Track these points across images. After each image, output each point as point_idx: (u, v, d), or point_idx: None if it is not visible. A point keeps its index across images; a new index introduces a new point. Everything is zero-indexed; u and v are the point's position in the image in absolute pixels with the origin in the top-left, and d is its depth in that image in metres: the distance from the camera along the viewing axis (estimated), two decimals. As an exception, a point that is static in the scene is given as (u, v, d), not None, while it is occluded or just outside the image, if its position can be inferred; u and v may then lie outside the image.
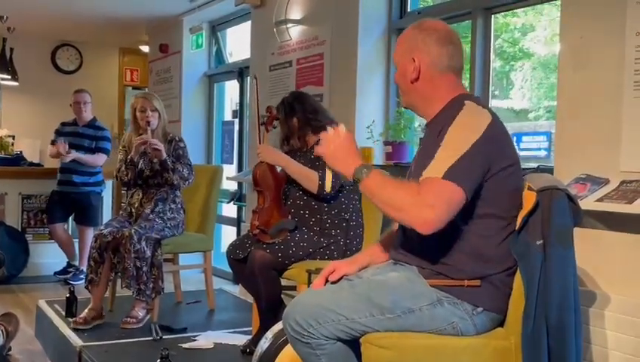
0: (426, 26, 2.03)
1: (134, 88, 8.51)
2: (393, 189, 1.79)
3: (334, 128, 1.92)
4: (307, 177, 3.10)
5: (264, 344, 2.30)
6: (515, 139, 3.13)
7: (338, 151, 1.89)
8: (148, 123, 3.88)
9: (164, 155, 3.85)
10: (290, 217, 3.16)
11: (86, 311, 3.71)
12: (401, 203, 1.76)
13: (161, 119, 3.96)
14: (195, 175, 4.06)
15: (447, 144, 1.81)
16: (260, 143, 3.30)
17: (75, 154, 5.38)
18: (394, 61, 2.11)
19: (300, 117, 3.25)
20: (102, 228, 3.87)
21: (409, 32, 2.05)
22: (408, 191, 1.77)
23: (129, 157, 3.89)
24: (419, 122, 3.72)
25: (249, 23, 5.38)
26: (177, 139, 4.05)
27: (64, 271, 5.68)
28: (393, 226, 2.20)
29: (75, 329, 3.59)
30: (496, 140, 1.85)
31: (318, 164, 3.12)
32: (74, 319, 3.69)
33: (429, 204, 1.73)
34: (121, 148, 4.10)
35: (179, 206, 4.02)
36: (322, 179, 3.03)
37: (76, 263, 5.68)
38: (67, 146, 5.35)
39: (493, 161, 1.83)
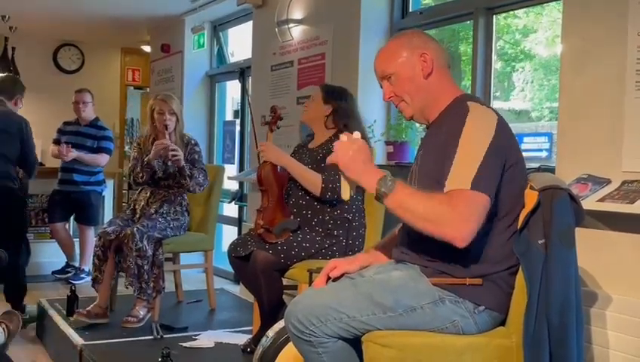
0: (411, 32, 2.09)
1: (136, 88, 8.53)
2: (427, 202, 1.77)
3: (348, 135, 1.88)
4: (310, 180, 3.08)
5: (265, 343, 2.29)
6: (517, 141, 3.13)
7: (355, 162, 1.83)
8: (166, 126, 3.88)
9: (183, 162, 3.85)
10: (292, 217, 3.16)
11: (92, 305, 3.72)
12: (437, 217, 1.74)
13: (178, 121, 3.97)
14: (209, 179, 4.08)
15: (464, 151, 1.80)
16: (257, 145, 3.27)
17: (76, 153, 5.38)
18: (385, 74, 2.01)
19: (339, 106, 3.22)
20: (105, 226, 3.87)
21: (399, 40, 2.04)
22: (442, 205, 1.75)
23: (146, 159, 3.88)
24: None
25: (251, 22, 5.39)
26: (193, 142, 4.05)
27: (62, 271, 5.67)
28: (394, 230, 2.20)
29: (76, 328, 3.59)
30: (505, 139, 1.86)
31: (323, 165, 3.11)
32: (77, 310, 3.69)
33: (466, 218, 1.73)
34: (134, 145, 4.10)
35: (184, 208, 4.03)
36: (338, 186, 2.94)
37: (75, 264, 5.68)
38: (70, 148, 5.35)
39: (506, 160, 1.84)
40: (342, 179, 1.89)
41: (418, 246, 1.93)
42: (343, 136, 1.88)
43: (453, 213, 1.73)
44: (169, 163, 3.89)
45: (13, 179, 4.30)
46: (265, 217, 3.13)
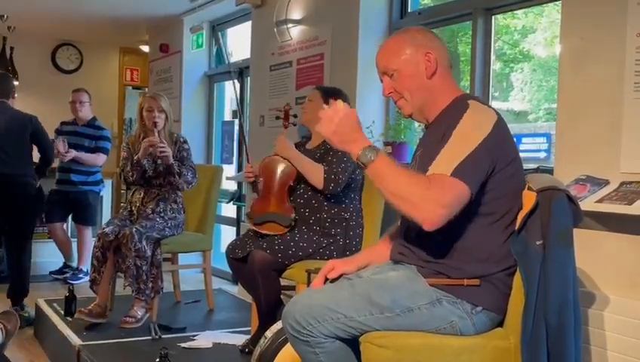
0: (415, 29, 2.07)
1: (134, 88, 8.52)
2: (403, 179, 1.76)
3: (332, 104, 1.85)
4: (312, 172, 3.09)
5: (263, 343, 2.29)
6: (514, 140, 3.14)
7: (341, 128, 1.81)
8: (155, 123, 3.89)
9: (171, 160, 3.85)
10: (292, 215, 3.15)
11: (92, 304, 3.72)
12: (410, 195, 1.73)
13: (167, 120, 3.97)
14: (199, 177, 4.07)
15: (455, 140, 1.80)
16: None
17: (74, 153, 5.38)
18: (388, 69, 2.00)
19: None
20: (104, 227, 3.86)
21: (402, 37, 2.02)
22: (418, 184, 1.74)
23: (135, 158, 3.88)
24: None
25: (249, 22, 5.39)
26: (182, 140, 4.05)
27: (60, 272, 5.67)
28: (383, 237, 2.20)
29: (74, 328, 3.59)
30: (501, 139, 1.85)
31: (322, 164, 3.11)
32: (79, 309, 3.69)
33: (438, 201, 1.71)
34: (124, 145, 4.10)
35: (180, 206, 4.02)
36: (340, 178, 3.04)
37: (73, 264, 5.68)
38: (67, 145, 5.35)
39: (497, 159, 1.84)
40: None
41: (416, 245, 1.93)
42: (326, 107, 1.86)
43: (427, 195, 1.72)
44: (158, 161, 3.89)
45: (31, 176, 4.49)
46: (253, 205, 3.22)
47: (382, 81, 2.05)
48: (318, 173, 3.08)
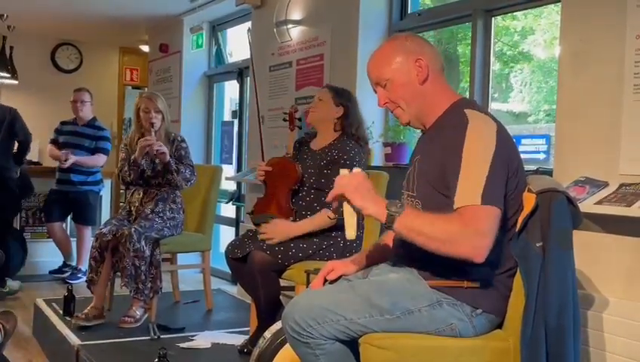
0: (404, 36, 2.06)
1: (134, 88, 8.52)
2: (438, 224, 1.75)
3: (349, 171, 1.86)
4: (320, 225, 3.06)
5: (262, 344, 2.29)
6: (514, 142, 3.14)
7: (359, 191, 1.80)
8: (151, 124, 3.89)
9: (168, 158, 3.85)
10: (291, 218, 3.14)
11: (88, 308, 3.72)
12: (452, 237, 1.72)
13: (164, 120, 3.97)
14: (197, 175, 4.07)
15: (468, 165, 1.78)
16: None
17: (74, 158, 5.38)
18: (380, 80, 2.00)
19: (349, 109, 3.22)
20: (102, 227, 3.86)
21: (392, 45, 2.01)
22: (454, 224, 1.73)
23: (132, 158, 3.88)
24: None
25: (249, 23, 5.39)
26: (180, 139, 4.05)
27: (59, 271, 5.68)
28: (383, 238, 2.19)
29: (73, 328, 3.59)
30: (505, 146, 1.85)
31: (326, 171, 3.10)
32: (75, 314, 3.69)
33: (479, 233, 1.72)
34: (122, 146, 4.11)
35: (179, 206, 4.02)
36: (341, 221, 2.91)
37: (72, 263, 5.68)
38: (69, 153, 5.37)
39: (509, 167, 1.84)
40: (345, 216, 1.86)
41: (415, 247, 1.92)
42: (344, 171, 1.86)
43: (468, 231, 1.72)
44: (156, 161, 3.89)
45: (6, 169, 4.62)
46: (256, 203, 3.22)
47: (375, 91, 2.04)
48: (324, 222, 3.04)
